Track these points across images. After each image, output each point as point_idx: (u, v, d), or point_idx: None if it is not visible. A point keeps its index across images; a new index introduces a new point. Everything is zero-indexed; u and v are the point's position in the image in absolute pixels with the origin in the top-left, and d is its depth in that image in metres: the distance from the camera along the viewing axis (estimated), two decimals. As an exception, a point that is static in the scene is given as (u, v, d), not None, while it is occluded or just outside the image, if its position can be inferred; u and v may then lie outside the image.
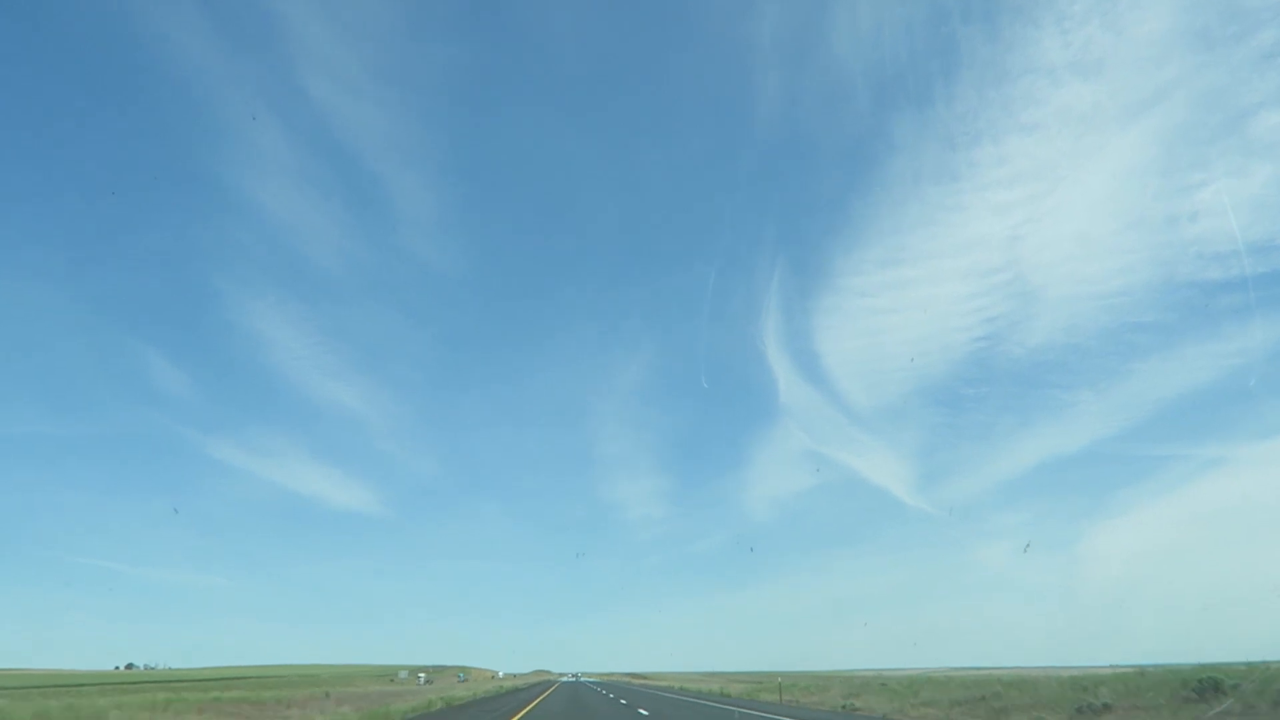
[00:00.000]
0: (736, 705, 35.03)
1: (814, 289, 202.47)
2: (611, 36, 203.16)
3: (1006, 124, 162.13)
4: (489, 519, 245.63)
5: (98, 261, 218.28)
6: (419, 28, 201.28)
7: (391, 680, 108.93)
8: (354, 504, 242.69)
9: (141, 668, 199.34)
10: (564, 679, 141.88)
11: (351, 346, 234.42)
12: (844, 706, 32.70)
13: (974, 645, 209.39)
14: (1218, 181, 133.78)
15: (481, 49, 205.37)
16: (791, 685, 46.76)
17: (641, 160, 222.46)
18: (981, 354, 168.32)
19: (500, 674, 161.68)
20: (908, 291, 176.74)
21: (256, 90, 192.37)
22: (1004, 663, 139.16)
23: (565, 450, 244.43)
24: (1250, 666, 25.92)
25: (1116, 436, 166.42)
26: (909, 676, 48.97)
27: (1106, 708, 23.64)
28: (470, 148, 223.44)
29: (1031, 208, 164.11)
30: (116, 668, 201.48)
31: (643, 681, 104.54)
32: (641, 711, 28.95)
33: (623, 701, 37.84)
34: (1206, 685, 22.94)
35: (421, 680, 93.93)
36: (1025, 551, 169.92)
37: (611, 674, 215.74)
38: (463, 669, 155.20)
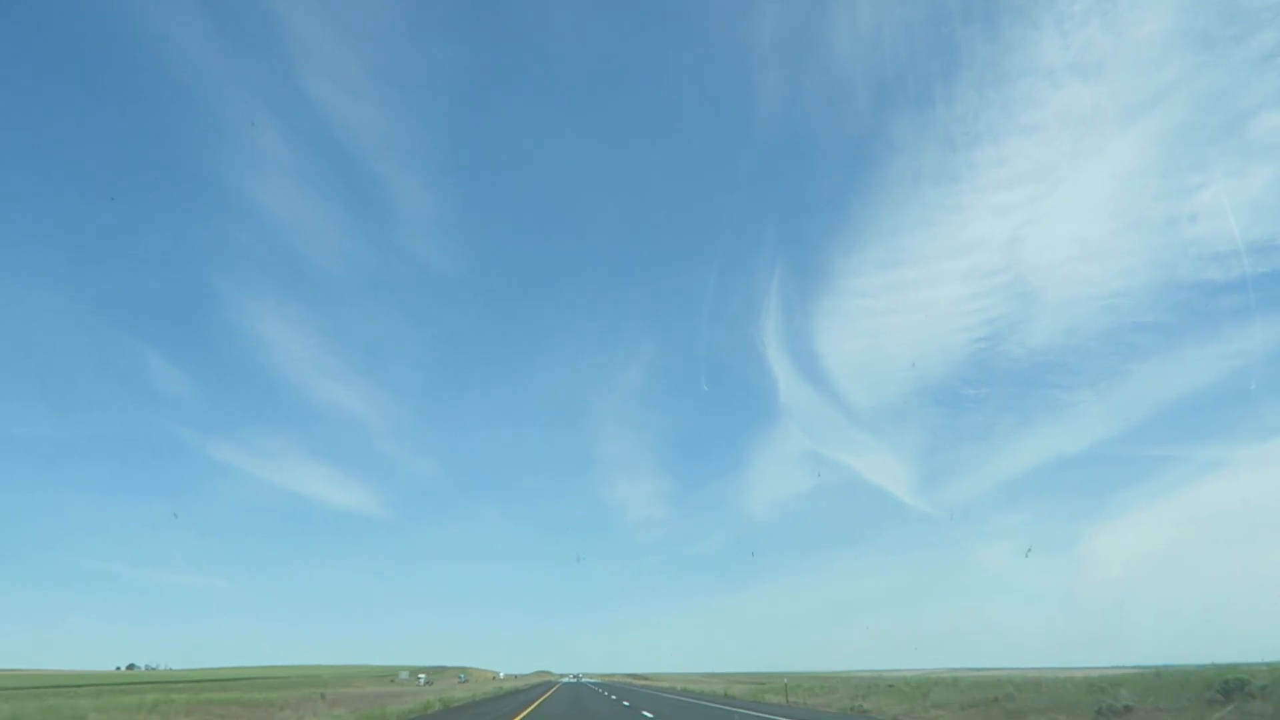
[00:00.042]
0: (742, 707, 34.06)
1: (814, 290, 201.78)
2: (611, 37, 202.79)
3: (1006, 125, 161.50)
4: (489, 519, 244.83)
5: (98, 262, 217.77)
6: (419, 28, 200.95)
7: (392, 681, 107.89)
8: (354, 505, 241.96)
9: (143, 668, 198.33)
10: (565, 680, 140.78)
11: (351, 347, 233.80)
12: (852, 708, 31.73)
13: (974, 646, 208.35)
14: (1217, 183, 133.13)
15: (481, 49, 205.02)
16: (795, 686, 45.77)
17: (642, 161, 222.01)
18: (981, 355, 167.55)
19: (501, 675, 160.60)
20: (908, 293, 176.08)
21: (256, 91, 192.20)
22: (1004, 664, 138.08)
23: (565, 451, 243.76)
24: (1271, 667, 25.05)
25: (1117, 438, 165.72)
26: (915, 678, 47.97)
27: (1128, 710, 22.66)
28: (470, 148, 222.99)
29: (1031, 209, 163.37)
30: (117, 668, 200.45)
31: (644, 682, 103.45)
32: (645, 714, 27.97)
33: (625, 704, 36.87)
34: (1232, 686, 21.97)
35: (421, 681, 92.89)
36: (1026, 556, 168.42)
37: (612, 675, 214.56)
38: (463, 670, 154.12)
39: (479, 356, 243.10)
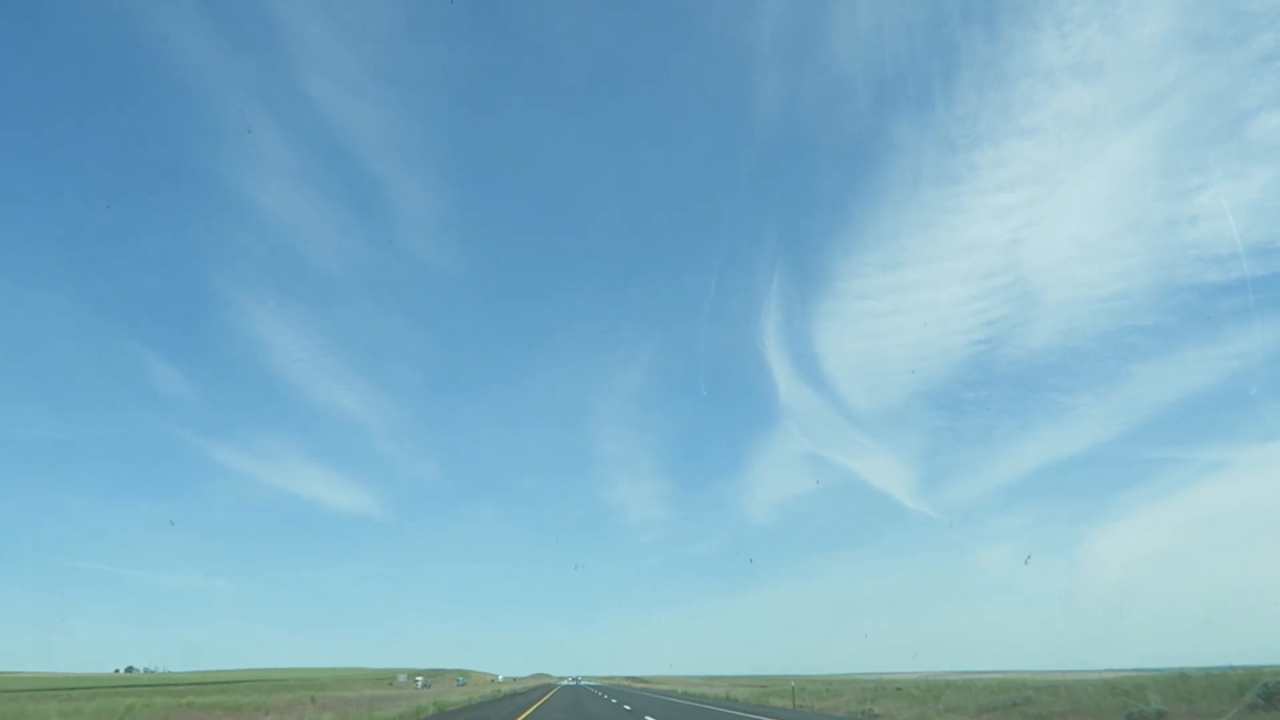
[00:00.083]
0: (749, 712, 32.63)
1: (814, 291, 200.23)
2: (611, 37, 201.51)
3: (1006, 127, 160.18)
4: (489, 521, 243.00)
5: (98, 263, 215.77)
6: (419, 28, 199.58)
7: (390, 684, 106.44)
8: (354, 507, 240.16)
9: (141, 671, 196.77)
10: (564, 682, 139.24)
11: (351, 348, 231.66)
12: (861, 712, 30.26)
13: (974, 649, 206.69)
14: (1217, 184, 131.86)
15: (481, 50, 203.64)
16: (799, 689, 44.28)
17: (641, 161, 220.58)
18: (981, 357, 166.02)
19: (500, 677, 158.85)
20: (908, 294, 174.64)
21: (256, 91, 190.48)
22: (1004, 666, 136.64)
23: (565, 452, 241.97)
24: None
25: (1116, 440, 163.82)
26: (922, 680, 46.47)
27: (1161, 716, 21.21)
28: (470, 148, 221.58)
29: (1031, 210, 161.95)
30: (116, 671, 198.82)
31: (643, 685, 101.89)
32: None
33: (626, 708, 35.45)
34: (1273, 690, 20.54)
35: (419, 684, 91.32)
36: (1026, 564, 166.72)
37: (612, 677, 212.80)
38: (462, 672, 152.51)
39: (479, 357, 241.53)
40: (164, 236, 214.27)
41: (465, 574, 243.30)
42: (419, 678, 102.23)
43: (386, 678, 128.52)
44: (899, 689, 39.15)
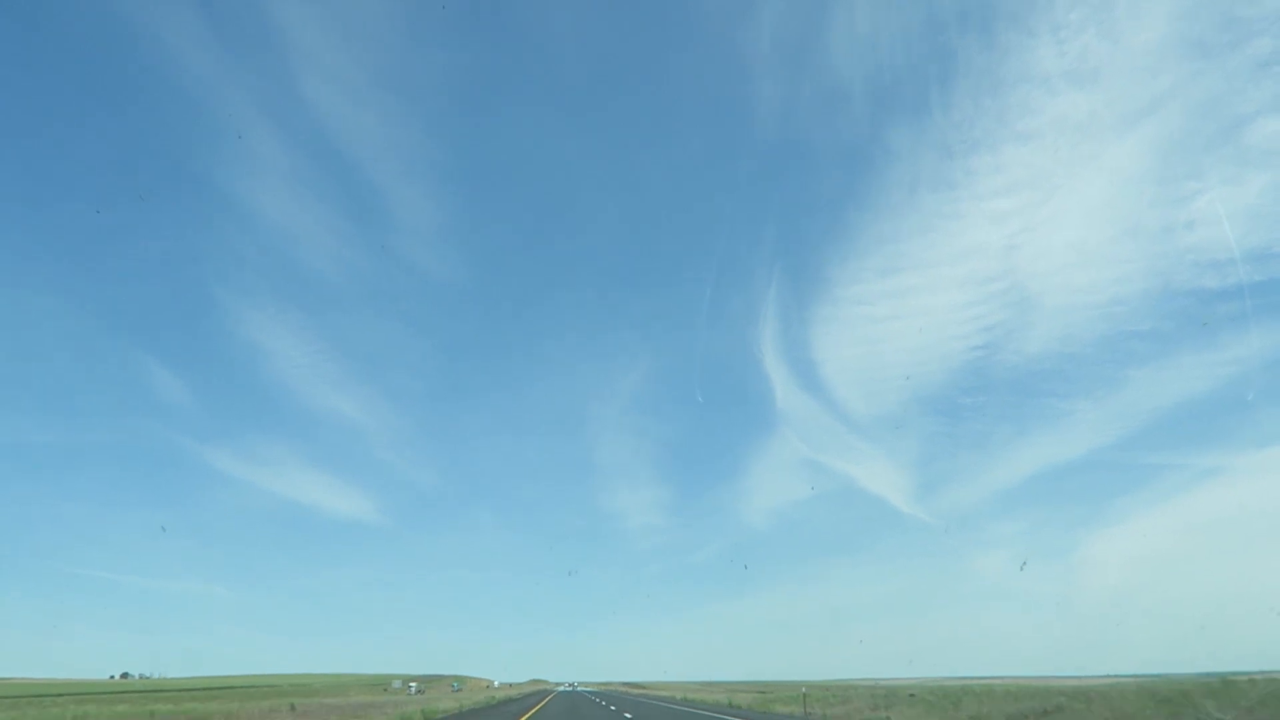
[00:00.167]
0: (756, 718, 30.02)
1: (811, 297, 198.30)
2: (610, 44, 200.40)
3: (1003, 132, 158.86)
4: (487, 528, 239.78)
5: (98, 270, 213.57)
6: (417, 35, 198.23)
7: (385, 690, 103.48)
8: (353, 513, 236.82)
9: (136, 677, 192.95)
10: (560, 688, 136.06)
11: (350, 355, 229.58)
12: (880, 721, 27.68)
13: (971, 654, 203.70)
14: (1213, 190, 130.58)
15: (480, 56, 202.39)
16: (804, 696, 41.58)
17: (639, 169, 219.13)
18: (979, 363, 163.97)
19: (496, 683, 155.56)
20: (905, 300, 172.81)
21: (255, 97, 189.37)
22: (1000, 672, 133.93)
23: (564, 459, 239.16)
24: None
25: (1113, 445, 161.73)
26: (935, 687, 43.84)
27: (1225, 726, 18.68)
28: (468, 155, 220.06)
29: (1028, 216, 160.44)
30: (111, 677, 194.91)
31: (641, 691, 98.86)
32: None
33: (627, 715, 32.81)
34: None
35: (413, 690, 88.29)
36: (1021, 570, 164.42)
37: (609, 683, 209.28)
38: (458, 678, 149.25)
39: (477, 364, 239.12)
40: (163, 242, 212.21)
41: (463, 580, 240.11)
42: (413, 684, 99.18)
43: (382, 683, 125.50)
44: (912, 695, 36.53)
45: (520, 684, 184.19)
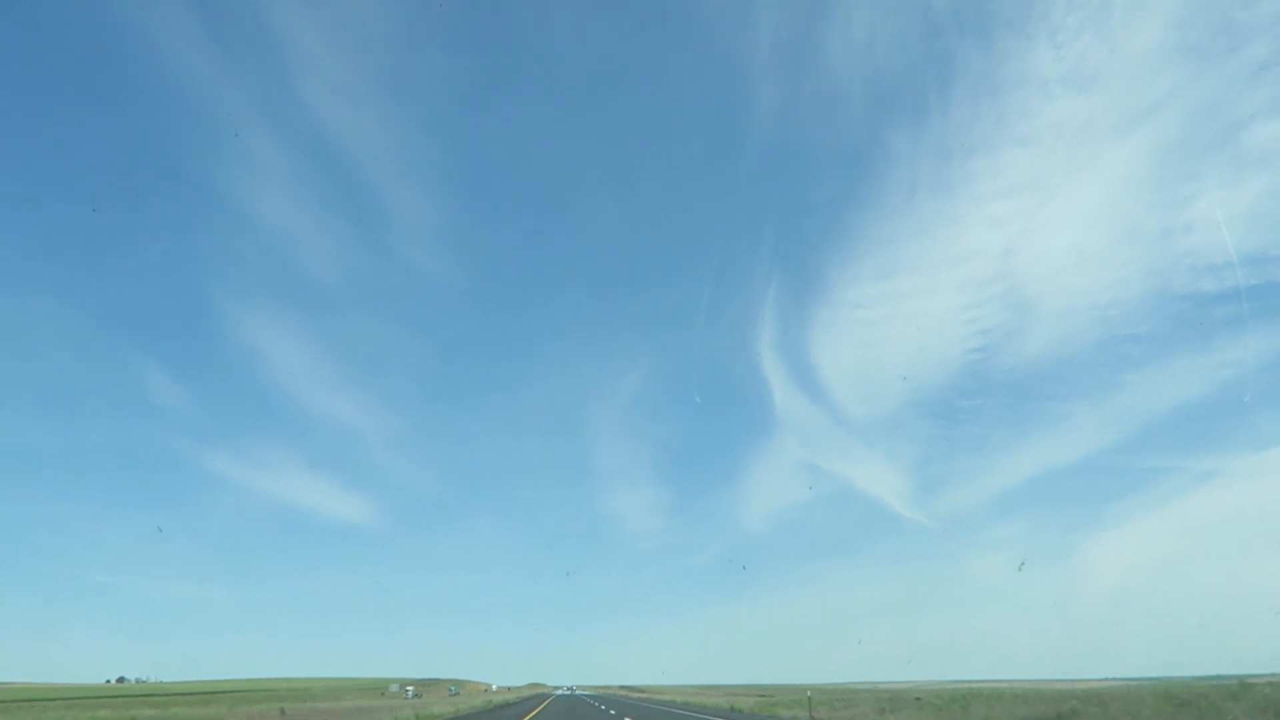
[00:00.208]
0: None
1: (810, 300, 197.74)
2: (609, 47, 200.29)
3: (1001, 137, 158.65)
4: (486, 530, 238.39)
5: (96, 272, 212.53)
6: (415, 38, 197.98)
7: (382, 694, 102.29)
8: (351, 516, 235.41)
9: (133, 681, 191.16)
10: (559, 692, 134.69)
11: (348, 358, 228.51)
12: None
13: (969, 657, 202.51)
14: (1211, 194, 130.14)
15: (478, 59, 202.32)
16: (809, 700, 40.52)
17: (638, 172, 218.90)
18: (976, 365, 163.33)
19: (494, 687, 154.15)
20: (903, 303, 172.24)
21: (253, 99, 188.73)
22: (998, 676, 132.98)
23: (562, 462, 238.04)
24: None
25: (1110, 449, 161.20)
26: (940, 690, 42.85)
27: (1255, 730, 17.75)
28: (466, 158, 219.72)
29: (1026, 220, 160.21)
30: (108, 681, 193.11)
31: (640, 695, 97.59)
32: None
33: (625, 720, 31.80)
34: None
35: (410, 693, 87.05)
36: (1019, 570, 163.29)
37: (607, 686, 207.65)
38: (455, 682, 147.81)
39: (476, 367, 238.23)
40: (162, 244, 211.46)
41: (462, 583, 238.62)
42: (409, 688, 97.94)
43: (379, 687, 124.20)
44: (917, 698, 35.56)
45: (518, 687, 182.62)
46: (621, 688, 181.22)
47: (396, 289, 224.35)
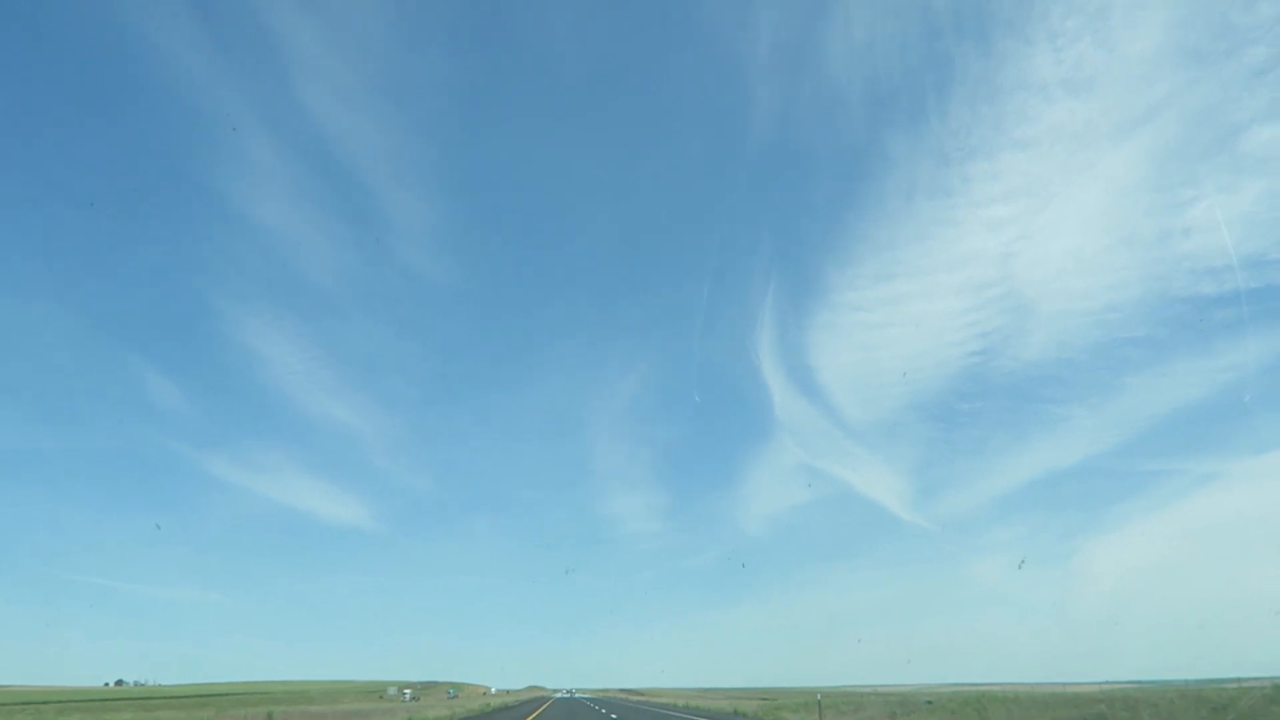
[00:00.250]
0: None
1: (808, 303, 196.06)
2: (607, 50, 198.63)
3: (1000, 140, 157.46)
4: (483, 533, 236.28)
5: (92, 275, 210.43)
6: (413, 41, 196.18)
7: (380, 697, 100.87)
8: (349, 519, 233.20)
9: (131, 684, 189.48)
10: (558, 695, 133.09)
11: (346, 361, 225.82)
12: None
13: (969, 661, 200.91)
14: (1210, 197, 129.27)
15: (476, 61, 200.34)
16: (819, 703, 39.14)
17: (636, 173, 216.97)
18: (976, 369, 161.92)
19: (492, 690, 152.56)
20: (902, 306, 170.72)
21: (251, 102, 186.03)
22: (998, 679, 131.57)
23: (560, 465, 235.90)
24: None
25: (1110, 451, 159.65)
26: (954, 694, 41.46)
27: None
28: (464, 160, 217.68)
29: (1025, 223, 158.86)
30: (106, 684, 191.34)
31: (640, 698, 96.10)
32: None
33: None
34: None
35: (407, 697, 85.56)
36: (1020, 568, 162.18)
37: (606, 690, 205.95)
38: (454, 685, 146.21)
39: (474, 370, 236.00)
40: (160, 247, 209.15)
41: (460, 586, 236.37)
42: (406, 690, 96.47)
43: (378, 690, 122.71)
44: (929, 702, 34.21)
45: (517, 690, 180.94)
46: (621, 691, 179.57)
47: (394, 292, 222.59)
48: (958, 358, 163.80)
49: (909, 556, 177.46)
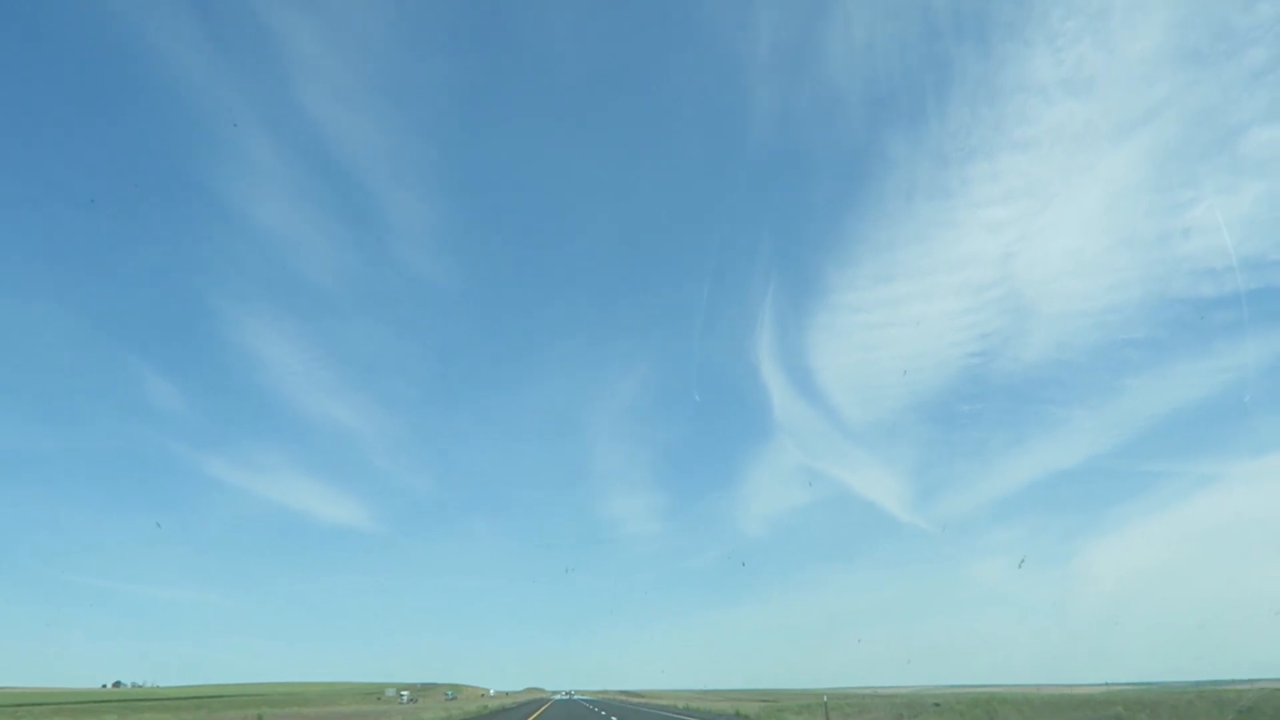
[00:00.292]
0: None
1: (808, 304, 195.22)
2: (607, 51, 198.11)
3: (999, 141, 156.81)
4: (483, 534, 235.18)
5: (92, 275, 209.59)
6: (414, 43, 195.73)
7: (378, 698, 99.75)
8: (348, 520, 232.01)
9: (129, 685, 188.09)
10: (557, 697, 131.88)
11: (345, 362, 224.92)
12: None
13: (968, 662, 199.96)
14: (1209, 198, 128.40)
15: (476, 63, 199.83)
16: (825, 705, 38.15)
17: (635, 175, 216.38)
18: (975, 370, 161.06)
19: (491, 691, 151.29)
20: (901, 307, 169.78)
21: (251, 103, 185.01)
22: (997, 681, 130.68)
23: (559, 466, 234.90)
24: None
25: (1110, 453, 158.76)
26: (964, 696, 40.46)
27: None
28: (464, 161, 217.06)
29: (1024, 225, 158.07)
30: (104, 686, 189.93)
31: (640, 700, 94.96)
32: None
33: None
34: None
35: (404, 699, 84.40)
36: (1020, 567, 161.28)
37: (605, 691, 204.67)
38: (453, 686, 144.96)
39: (473, 370, 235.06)
40: (159, 248, 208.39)
41: (459, 587, 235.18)
42: (404, 692, 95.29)
43: (375, 692, 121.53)
44: (936, 704, 33.22)
45: (516, 692, 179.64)
46: (620, 692, 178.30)
47: (394, 293, 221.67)
48: (957, 359, 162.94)
49: (909, 557, 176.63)
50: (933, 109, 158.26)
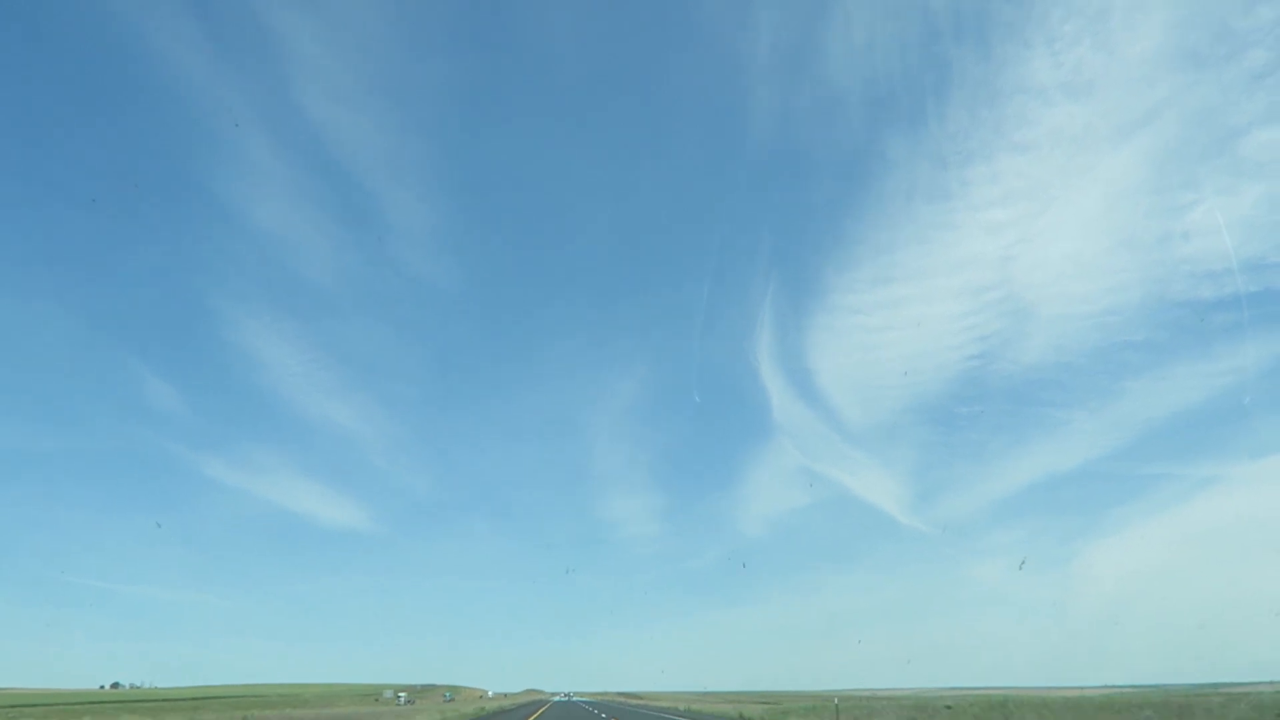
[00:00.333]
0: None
1: (807, 305, 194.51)
2: (607, 52, 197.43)
3: (998, 143, 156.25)
4: (482, 536, 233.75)
5: (92, 276, 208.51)
6: (413, 43, 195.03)
7: (376, 700, 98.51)
8: (346, 521, 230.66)
9: (128, 686, 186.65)
10: (556, 699, 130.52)
11: (345, 363, 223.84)
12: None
13: (968, 664, 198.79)
14: (1209, 200, 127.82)
15: (476, 64, 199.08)
16: (835, 707, 36.92)
17: (635, 176, 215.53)
18: (975, 372, 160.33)
19: (490, 693, 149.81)
20: (901, 309, 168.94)
21: (250, 104, 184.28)
22: (997, 682, 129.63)
23: (559, 467, 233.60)
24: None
25: (1110, 455, 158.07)
26: (977, 698, 39.21)
27: None
28: (463, 162, 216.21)
29: (1024, 227, 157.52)
30: (102, 687, 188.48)
31: (639, 702, 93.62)
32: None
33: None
34: None
35: (401, 700, 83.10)
36: (1020, 568, 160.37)
37: (604, 693, 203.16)
38: (451, 688, 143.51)
39: (472, 371, 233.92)
40: (158, 248, 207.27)
41: (458, 589, 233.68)
42: (402, 694, 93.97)
43: (373, 693, 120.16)
44: (948, 706, 32.02)
45: (515, 694, 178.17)
46: (620, 694, 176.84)
47: (393, 293, 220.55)
48: (957, 361, 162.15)
49: (909, 559, 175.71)
50: (932, 110, 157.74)
